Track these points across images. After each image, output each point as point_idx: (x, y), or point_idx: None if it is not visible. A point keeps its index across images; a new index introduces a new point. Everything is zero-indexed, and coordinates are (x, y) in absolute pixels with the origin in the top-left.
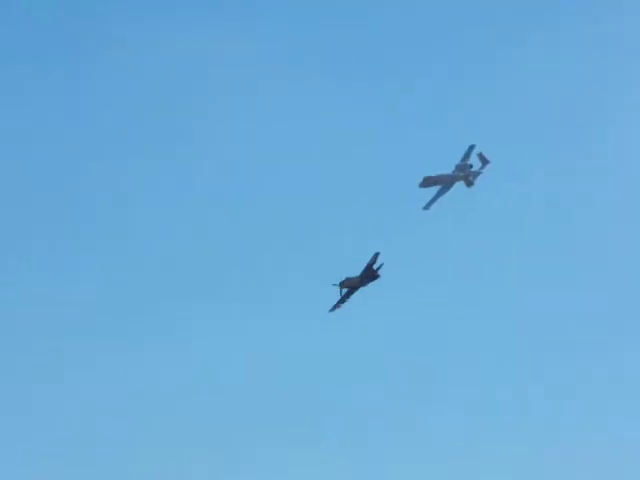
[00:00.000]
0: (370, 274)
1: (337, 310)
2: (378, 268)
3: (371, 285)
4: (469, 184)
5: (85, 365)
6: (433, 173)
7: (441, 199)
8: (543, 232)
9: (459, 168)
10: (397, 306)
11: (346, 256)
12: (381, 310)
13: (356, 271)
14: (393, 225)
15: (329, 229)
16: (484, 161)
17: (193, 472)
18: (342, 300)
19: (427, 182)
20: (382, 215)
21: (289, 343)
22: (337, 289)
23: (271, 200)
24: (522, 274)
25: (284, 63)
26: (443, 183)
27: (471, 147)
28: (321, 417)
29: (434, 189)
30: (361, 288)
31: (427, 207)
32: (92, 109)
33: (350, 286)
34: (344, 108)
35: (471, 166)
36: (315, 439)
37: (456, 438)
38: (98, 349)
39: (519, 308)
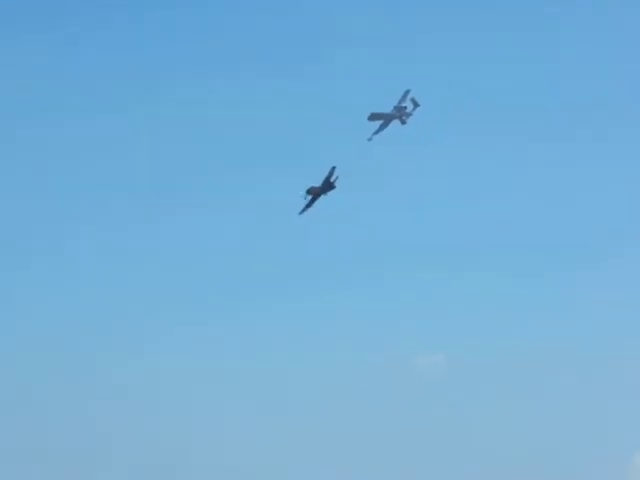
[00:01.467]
0: (328, 185)
1: (305, 212)
2: (334, 180)
3: (330, 193)
4: (403, 122)
5: None
6: (378, 111)
7: (381, 132)
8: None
9: (396, 109)
10: (349, 208)
11: (313, 170)
12: (337, 211)
13: (318, 182)
14: (348, 147)
15: (302, 150)
16: (415, 104)
17: None
18: (308, 205)
19: (373, 117)
20: (339, 139)
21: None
22: (304, 196)
23: (254, 126)
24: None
25: None
26: (384, 119)
27: (407, 92)
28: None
29: (377, 123)
30: (322, 196)
31: (370, 139)
32: None
33: (314, 194)
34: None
35: (405, 108)
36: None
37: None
38: None
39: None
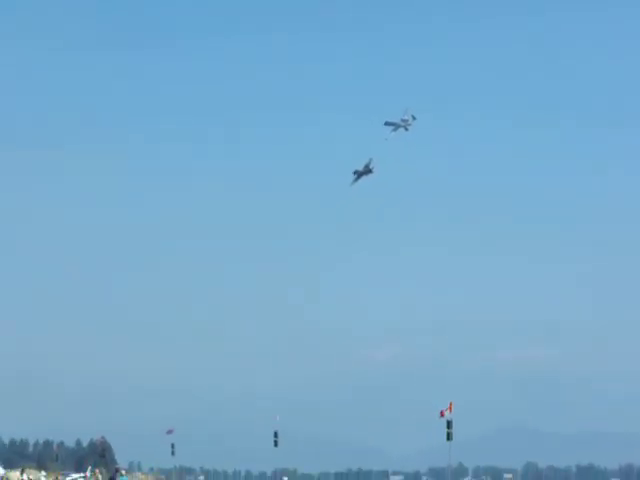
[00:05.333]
0: (368, 169)
1: (353, 185)
2: (372, 166)
3: (370, 175)
4: (406, 129)
5: None
6: (390, 120)
7: (392, 134)
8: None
9: (401, 120)
10: (382, 183)
11: (356, 160)
12: (375, 186)
13: (360, 166)
14: (376, 145)
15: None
16: (413, 117)
17: None
18: (355, 180)
19: (387, 123)
20: (371, 139)
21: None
22: (353, 175)
23: None
24: None
25: None
26: (394, 126)
27: (407, 108)
28: None
29: (390, 128)
30: (363, 176)
31: (386, 139)
32: None
33: (359, 174)
34: None
35: (407, 120)
36: None
37: None
38: None
39: None
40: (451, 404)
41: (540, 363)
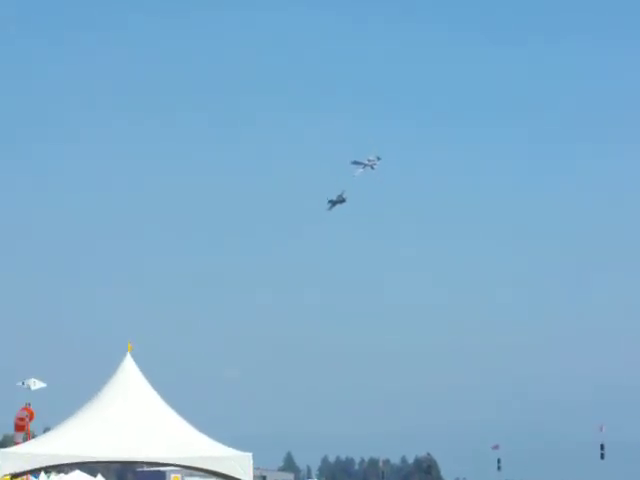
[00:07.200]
0: (342, 198)
1: (330, 210)
2: (345, 196)
3: (343, 204)
4: (372, 168)
5: None
6: (357, 159)
7: (360, 172)
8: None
9: (367, 160)
10: (353, 211)
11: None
12: (346, 214)
13: (333, 196)
14: (347, 179)
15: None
16: (378, 158)
17: None
18: (330, 208)
19: (354, 162)
20: (342, 174)
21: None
22: (328, 204)
23: None
24: None
25: None
26: (361, 165)
27: (373, 149)
28: None
29: (357, 166)
30: (337, 205)
31: (354, 175)
32: None
33: (333, 202)
34: None
35: (373, 160)
36: None
37: None
38: None
39: None
40: None
41: None
